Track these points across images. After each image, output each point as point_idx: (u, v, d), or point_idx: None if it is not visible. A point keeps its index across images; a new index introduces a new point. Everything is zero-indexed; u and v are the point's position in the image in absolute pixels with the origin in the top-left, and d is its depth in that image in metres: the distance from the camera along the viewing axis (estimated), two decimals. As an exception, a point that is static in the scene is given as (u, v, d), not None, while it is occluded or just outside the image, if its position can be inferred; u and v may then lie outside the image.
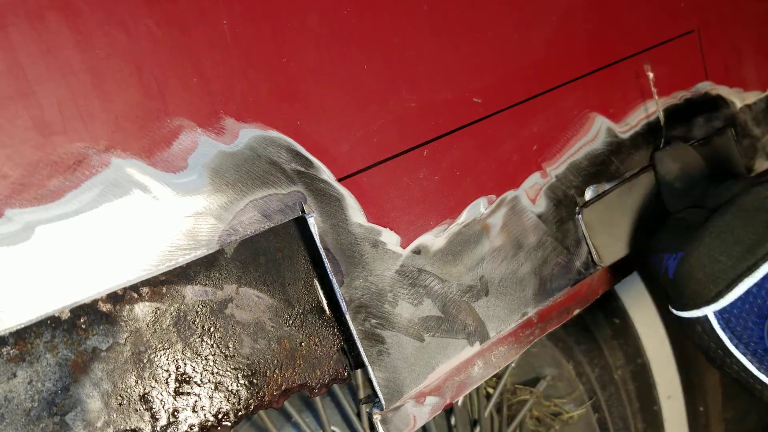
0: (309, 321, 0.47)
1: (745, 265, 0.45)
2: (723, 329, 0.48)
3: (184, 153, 0.38)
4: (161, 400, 0.41)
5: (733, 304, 0.46)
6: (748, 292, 0.46)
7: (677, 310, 0.52)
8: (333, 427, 0.76)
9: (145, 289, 0.41)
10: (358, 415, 0.78)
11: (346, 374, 0.49)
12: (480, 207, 0.51)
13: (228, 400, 0.44)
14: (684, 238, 0.51)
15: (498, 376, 0.91)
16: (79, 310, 0.39)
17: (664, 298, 0.55)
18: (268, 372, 0.45)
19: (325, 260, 0.44)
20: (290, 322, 0.47)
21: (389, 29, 0.46)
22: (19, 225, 0.33)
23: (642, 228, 0.63)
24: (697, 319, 0.49)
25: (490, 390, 0.92)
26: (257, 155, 0.41)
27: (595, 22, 0.58)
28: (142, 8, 0.37)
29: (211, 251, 0.39)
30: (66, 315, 0.39)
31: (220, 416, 0.44)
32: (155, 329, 0.41)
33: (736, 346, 0.48)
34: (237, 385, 0.44)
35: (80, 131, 0.35)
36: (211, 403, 0.43)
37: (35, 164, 0.34)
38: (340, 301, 0.44)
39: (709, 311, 0.48)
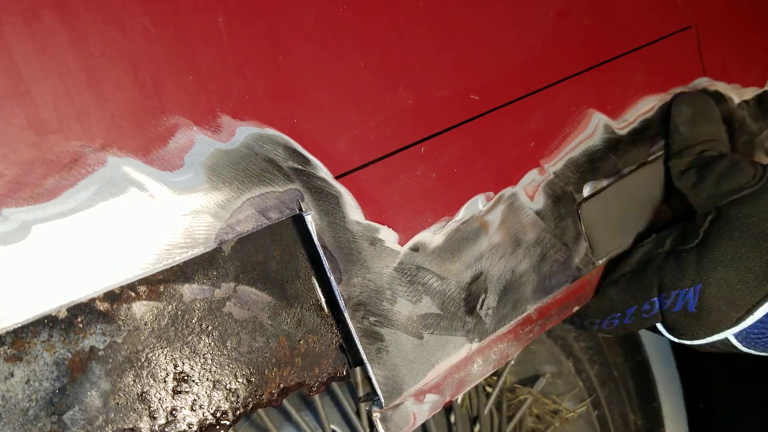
0: (307, 319, 0.47)
1: (763, 292, 0.50)
2: (741, 344, 0.53)
3: (181, 151, 0.38)
4: (159, 399, 0.41)
5: (752, 326, 0.51)
6: (766, 315, 0.51)
7: (694, 339, 0.55)
8: (332, 426, 0.76)
9: (142, 288, 0.41)
10: (358, 413, 0.78)
11: (345, 372, 0.49)
12: (478, 204, 0.51)
13: (226, 398, 0.44)
14: (687, 271, 0.53)
15: (498, 374, 0.91)
16: (76, 309, 0.39)
17: (672, 332, 0.57)
18: (266, 370, 0.45)
19: (323, 258, 0.43)
20: (288, 320, 0.46)
21: (386, 26, 0.46)
22: (15, 224, 0.33)
23: (640, 225, 0.63)
24: (714, 341, 0.54)
25: (489, 389, 0.92)
26: (254, 153, 0.40)
27: (592, 18, 0.58)
28: (137, 6, 0.37)
29: (208, 249, 0.39)
30: (63, 314, 0.38)
31: (218, 415, 0.43)
32: (153, 328, 0.41)
33: (749, 349, 0.53)
34: (235, 384, 0.44)
35: (76, 130, 0.35)
36: (210, 401, 0.43)
37: (31, 163, 0.34)
38: (339, 298, 0.44)
39: (729, 334, 0.52)
